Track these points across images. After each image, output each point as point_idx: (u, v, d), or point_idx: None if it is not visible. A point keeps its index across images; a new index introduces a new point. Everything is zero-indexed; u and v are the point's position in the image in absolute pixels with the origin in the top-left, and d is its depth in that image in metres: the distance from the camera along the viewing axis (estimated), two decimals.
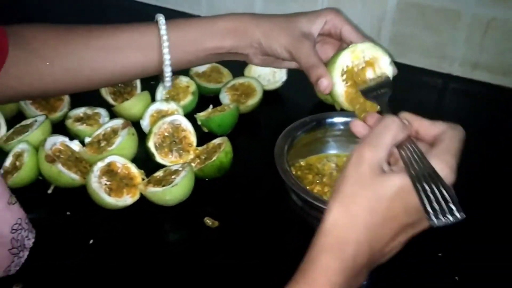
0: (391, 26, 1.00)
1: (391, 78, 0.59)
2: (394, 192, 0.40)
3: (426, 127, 0.46)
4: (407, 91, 0.97)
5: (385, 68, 0.59)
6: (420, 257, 0.61)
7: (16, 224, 0.51)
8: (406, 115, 0.47)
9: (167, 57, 0.61)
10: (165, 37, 0.60)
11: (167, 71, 0.62)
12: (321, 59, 0.59)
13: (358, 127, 0.48)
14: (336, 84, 0.57)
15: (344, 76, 0.57)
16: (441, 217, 0.38)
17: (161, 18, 0.61)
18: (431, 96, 0.97)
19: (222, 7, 1.16)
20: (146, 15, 0.65)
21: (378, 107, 0.55)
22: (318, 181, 0.67)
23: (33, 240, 0.55)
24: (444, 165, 0.41)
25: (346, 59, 0.57)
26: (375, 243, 0.41)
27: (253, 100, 0.84)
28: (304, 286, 0.40)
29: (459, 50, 0.96)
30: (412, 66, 1.02)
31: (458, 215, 0.38)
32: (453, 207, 0.38)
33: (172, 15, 0.65)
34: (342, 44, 0.65)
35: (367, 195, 0.41)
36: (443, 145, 0.43)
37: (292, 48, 0.60)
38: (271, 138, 0.70)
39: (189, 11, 1.22)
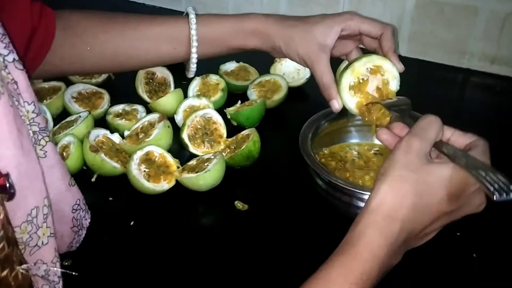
0: (410, 24, 1.04)
1: (398, 77, 0.63)
2: (441, 180, 0.44)
3: (458, 136, 0.49)
4: (428, 87, 1.00)
5: (390, 70, 0.63)
6: (439, 237, 0.64)
7: (76, 204, 0.56)
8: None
9: (194, 56, 0.67)
10: (194, 37, 0.66)
11: (193, 67, 0.68)
12: (333, 78, 0.64)
13: (385, 136, 0.52)
14: (347, 102, 0.63)
15: (352, 92, 0.63)
16: (503, 194, 0.41)
17: (192, 16, 0.66)
18: (451, 91, 1.00)
19: (248, 12, 1.22)
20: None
21: (387, 119, 0.61)
22: (340, 167, 0.71)
23: (89, 220, 0.60)
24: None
25: (348, 79, 0.63)
26: (416, 225, 0.44)
27: (279, 96, 0.89)
28: (349, 258, 0.43)
29: (477, 45, 0.99)
30: (432, 62, 1.05)
31: None
32: None
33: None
34: (361, 38, 0.70)
35: (416, 179, 0.44)
36: (479, 150, 0.47)
37: (308, 61, 0.66)
38: (296, 131, 0.74)
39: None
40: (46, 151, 0.49)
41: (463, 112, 0.94)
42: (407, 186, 0.44)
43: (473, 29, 0.98)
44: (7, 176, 0.39)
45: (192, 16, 0.67)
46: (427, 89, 1.00)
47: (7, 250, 0.38)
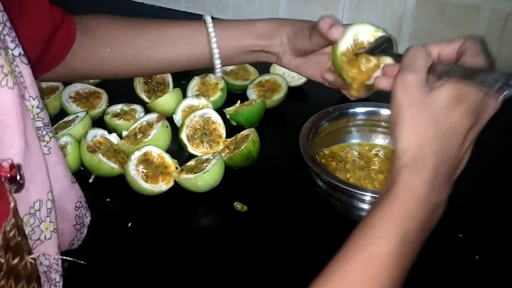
0: (411, 23, 1.03)
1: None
2: (449, 101, 0.44)
3: (446, 47, 0.49)
4: None
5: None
6: (441, 238, 0.63)
7: (78, 202, 0.56)
8: (426, 46, 0.49)
9: (216, 51, 0.68)
10: (213, 34, 0.68)
11: (217, 63, 0.69)
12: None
13: (383, 82, 0.51)
14: (342, 43, 0.58)
15: (352, 40, 0.59)
16: (509, 89, 0.40)
17: (208, 17, 0.68)
18: None
19: (248, 11, 1.21)
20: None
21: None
22: (341, 168, 0.70)
23: (89, 218, 0.60)
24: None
25: (357, 29, 0.59)
26: (449, 152, 0.44)
27: (279, 95, 0.88)
28: (388, 200, 0.42)
29: None
30: None
31: None
32: None
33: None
34: None
35: (425, 112, 0.44)
36: (470, 52, 0.46)
37: (311, 31, 0.65)
38: (296, 131, 0.74)
39: (218, 15, 1.27)
40: (50, 147, 0.50)
41: None
42: (422, 122, 0.44)
43: (475, 28, 0.97)
44: (18, 167, 0.39)
45: (208, 17, 0.69)
46: None
47: (18, 239, 0.39)
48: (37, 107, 0.47)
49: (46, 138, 0.48)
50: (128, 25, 0.70)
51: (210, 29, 0.68)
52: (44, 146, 0.48)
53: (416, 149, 0.43)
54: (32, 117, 0.46)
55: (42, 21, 0.62)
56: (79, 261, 0.51)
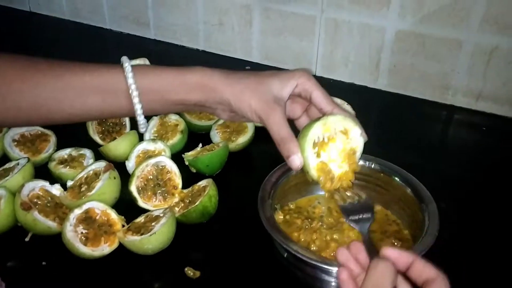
0: (390, 57, 0.96)
1: (362, 150, 0.57)
2: None
3: (418, 267, 0.43)
4: (409, 123, 0.93)
5: (356, 138, 0.57)
6: None
7: None
8: (400, 253, 0.43)
9: (138, 106, 0.58)
10: (133, 86, 0.57)
11: (141, 119, 0.59)
12: (291, 132, 0.56)
13: (344, 255, 0.45)
14: (308, 158, 0.55)
15: (316, 149, 0.56)
16: None
17: (126, 65, 0.57)
18: (434, 128, 0.93)
19: (219, 40, 1.15)
20: None
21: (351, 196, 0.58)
22: (306, 226, 0.63)
23: (4, 285, 0.52)
24: None
25: (318, 131, 0.55)
26: None
27: (244, 138, 0.80)
28: None
29: (462, 80, 0.92)
30: (414, 97, 0.98)
31: None
32: None
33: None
34: (310, 106, 0.61)
35: None
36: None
37: (263, 114, 0.57)
38: (262, 178, 0.66)
39: (188, 44, 1.20)
40: None
41: (446, 152, 0.87)
42: None
43: (457, 63, 0.91)
44: None
45: (126, 65, 0.57)
46: (408, 126, 0.93)
47: None
48: None
49: None
50: (28, 69, 0.58)
51: (130, 80, 0.57)
52: None
53: None
54: None
55: None
56: None
